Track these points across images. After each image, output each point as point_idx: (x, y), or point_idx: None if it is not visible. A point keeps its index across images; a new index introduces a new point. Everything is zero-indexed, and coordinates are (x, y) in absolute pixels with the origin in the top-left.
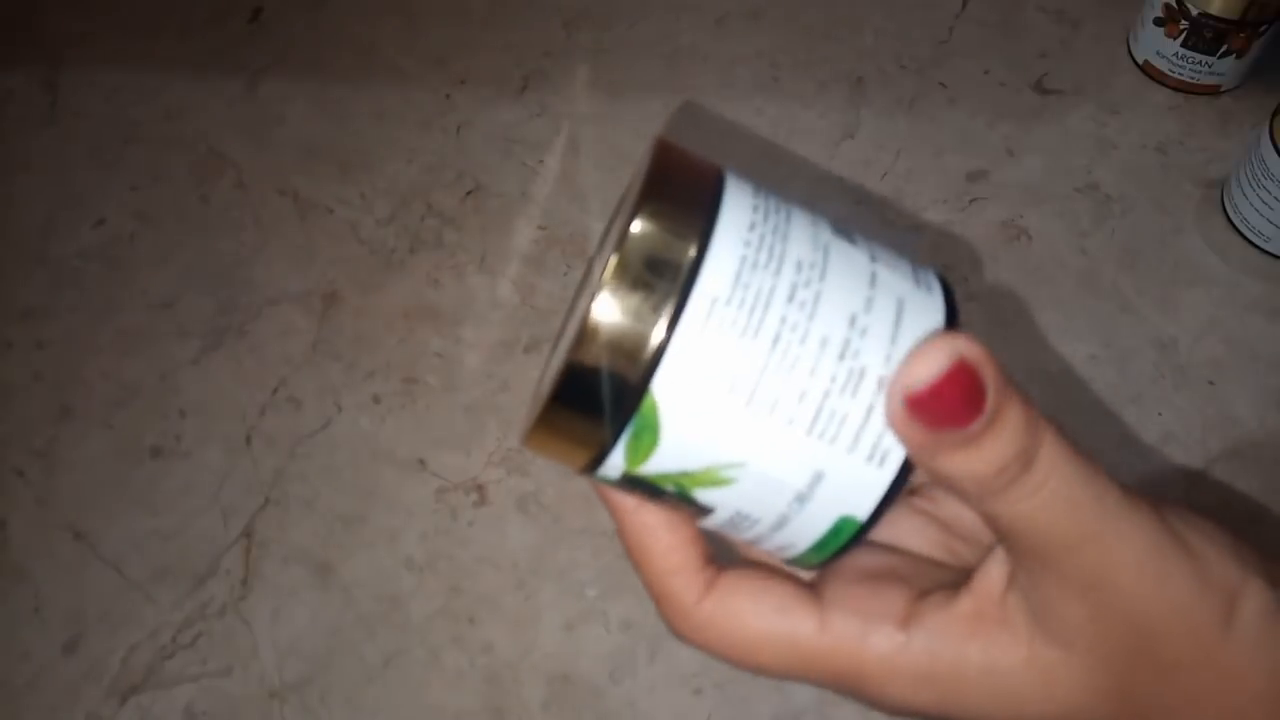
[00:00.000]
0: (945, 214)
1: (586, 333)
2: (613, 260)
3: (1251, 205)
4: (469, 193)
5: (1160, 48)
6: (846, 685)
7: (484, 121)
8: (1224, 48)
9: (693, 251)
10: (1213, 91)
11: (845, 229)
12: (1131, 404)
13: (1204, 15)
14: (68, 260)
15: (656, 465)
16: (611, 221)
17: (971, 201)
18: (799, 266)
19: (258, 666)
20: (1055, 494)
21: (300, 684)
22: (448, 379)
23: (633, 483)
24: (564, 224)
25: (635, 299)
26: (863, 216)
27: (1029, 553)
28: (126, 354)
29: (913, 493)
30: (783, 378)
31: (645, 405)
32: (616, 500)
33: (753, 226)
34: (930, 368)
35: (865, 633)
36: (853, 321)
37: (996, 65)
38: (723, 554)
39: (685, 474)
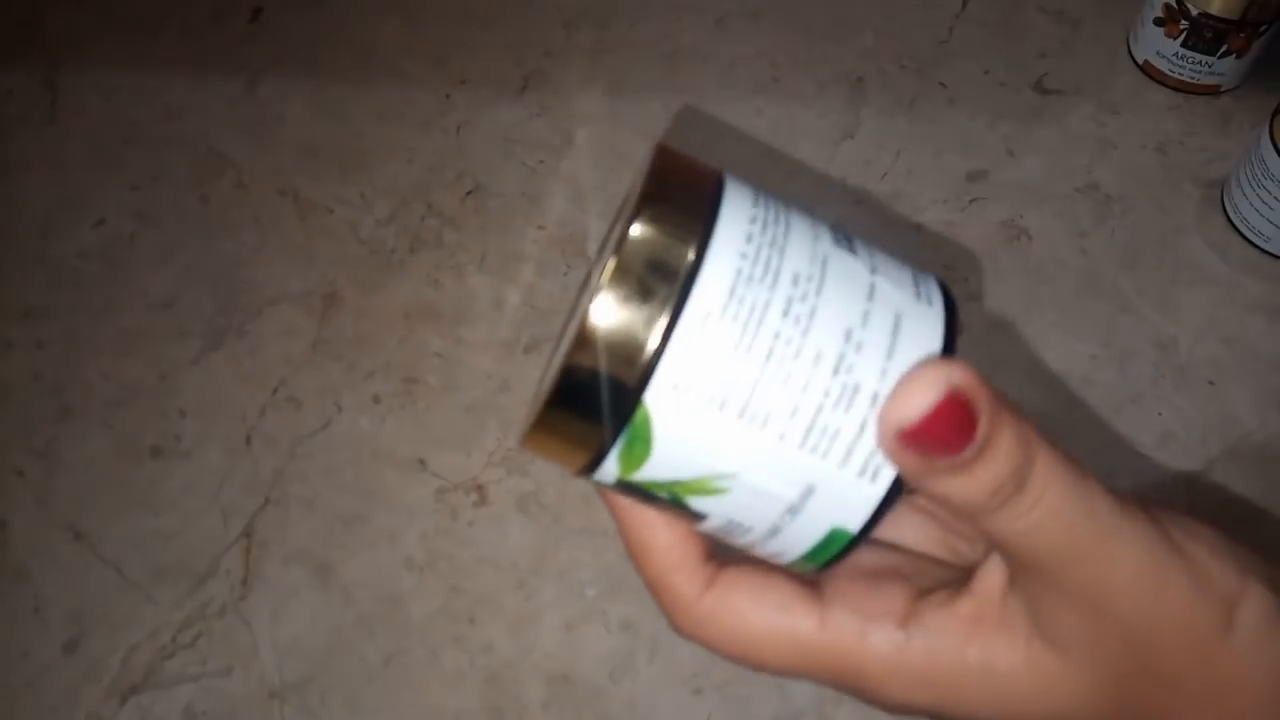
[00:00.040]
0: (945, 214)
1: (581, 341)
2: (608, 269)
3: (1251, 205)
4: (469, 193)
5: (1160, 48)
6: (846, 683)
7: (484, 121)
8: (1224, 48)
9: (688, 264)
10: (1213, 91)
11: (846, 237)
12: (1131, 404)
13: (1204, 15)
14: (68, 260)
15: (649, 473)
16: (613, 225)
17: (971, 201)
18: (795, 280)
19: (258, 666)
20: (1049, 512)
21: (300, 684)
22: (448, 379)
23: (627, 488)
24: (564, 224)
25: (630, 309)
26: (863, 216)
27: (1026, 568)
28: (126, 354)
29: (913, 491)
30: (775, 392)
31: (638, 416)
32: (616, 497)
33: (750, 239)
34: (921, 401)
35: (865, 631)
36: (848, 336)
37: (996, 65)
38: (724, 549)
39: (678, 483)
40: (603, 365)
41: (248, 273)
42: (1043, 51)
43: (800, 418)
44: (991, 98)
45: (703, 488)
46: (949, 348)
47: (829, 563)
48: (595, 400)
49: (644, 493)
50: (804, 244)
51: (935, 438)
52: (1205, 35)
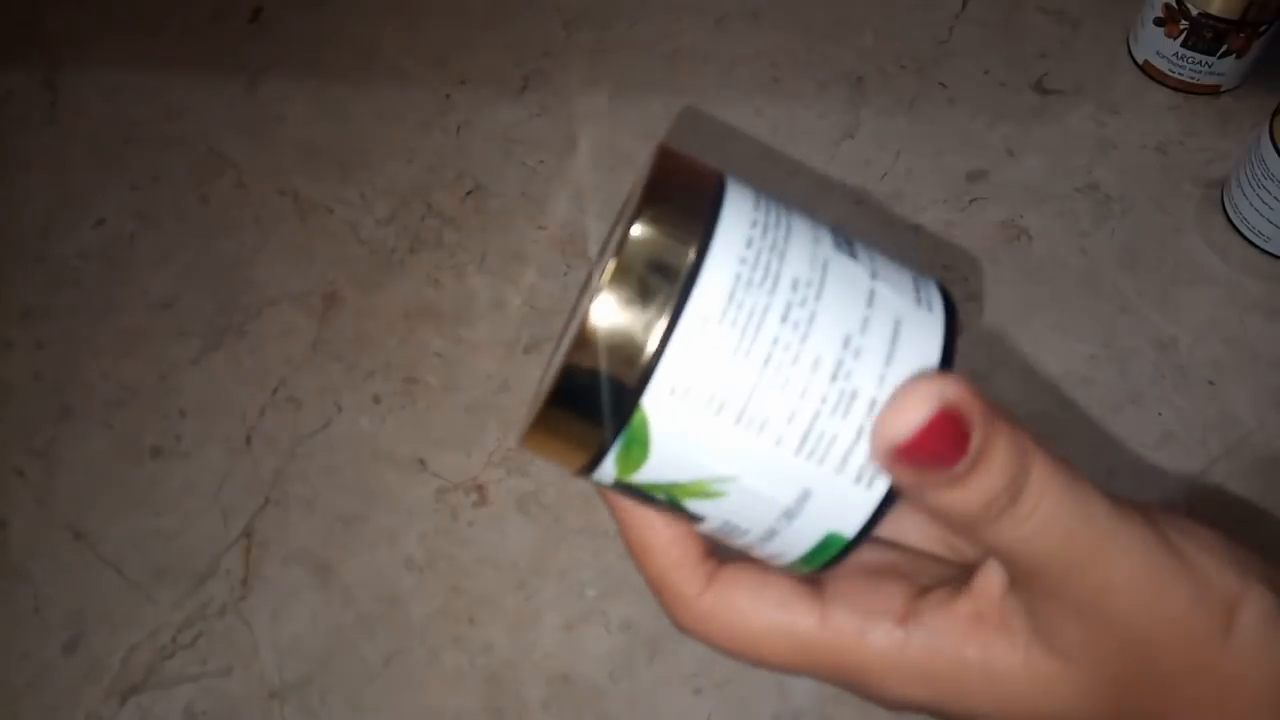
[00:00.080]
0: (945, 214)
1: (581, 342)
2: (609, 270)
3: (1251, 205)
4: (469, 193)
5: (1160, 48)
6: (845, 679)
7: (484, 121)
8: (1224, 48)
9: (687, 269)
10: (1213, 91)
11: (847, 240)
12: (1131, 404)
13: (1204, 15)
14: (68, 260)
15: (646, 475)
16: (614, 225)
17: (971, 201)
18: (795, 285)
19: (258, 666)
20: (1045, 522)
21: (300, 684)
22: (448, 379)
23: (625, 489)
24: (564, 224)
25: (629, 312)
26: (863, 216)
27: (1023, 575)
28: (126, 354)
29: None
30: (772, 398)
31: (635, 419)
32: (615, 496)
33: (750, 243)
34: (914, 416)
35: (865, 629)
36: (847, 342)
37: (996, 65)
38: (724, 547)
39: (675, 485)
40: (601, 367)
41: (248, 273)
42: (1043, 51)
43: (797, 423)
44: (991, 98)
45: (700, 490)
46: (948, 354)
47: (826, 566)
48: (593, 402)
49: (642, 494)
50: (804, 248)
51: (928, 452)
52: (1205, 35)
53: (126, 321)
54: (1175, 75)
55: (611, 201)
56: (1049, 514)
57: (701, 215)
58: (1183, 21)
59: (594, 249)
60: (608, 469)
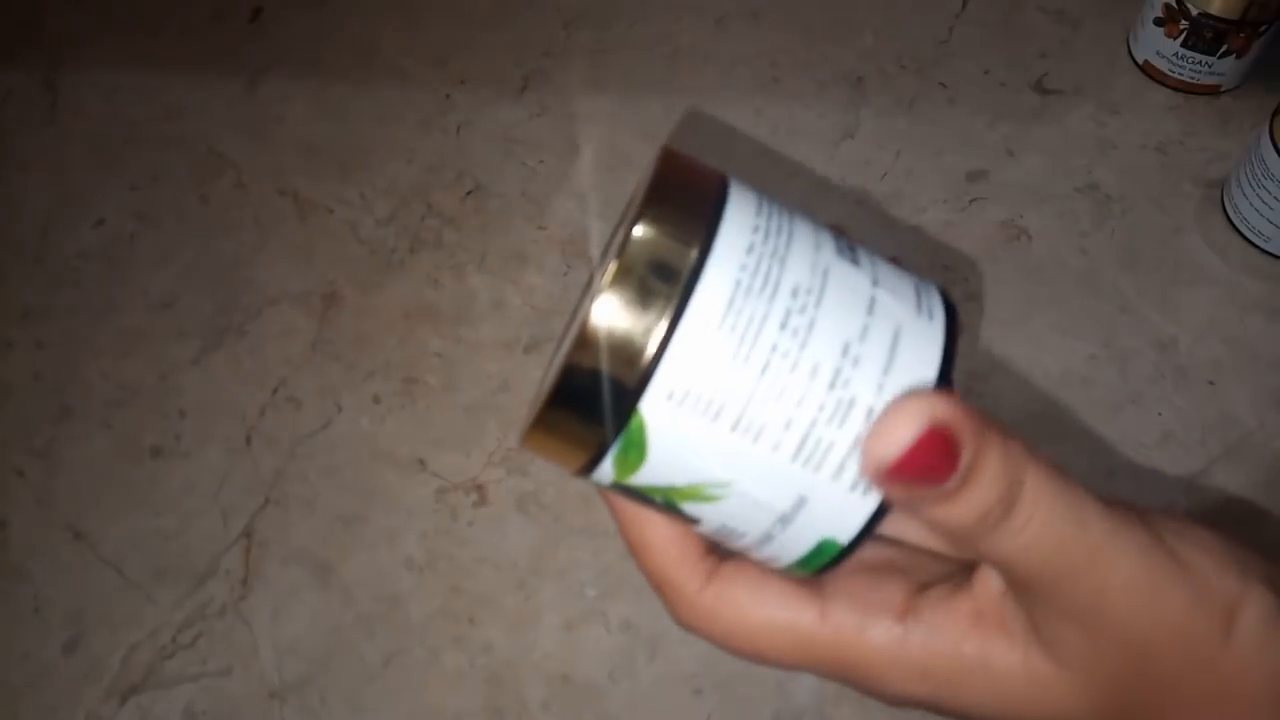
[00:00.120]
0: (945, 214)
1: (581, 343)
2: (610, 272)
3: (1251, 205)
4: (469, 193)
5: (1160, 48)
6: (845, 675)
7: (484, 121)
8: (1224, 48)
9: (687, 274)
10: (1213, 91)
11: (850, 246)
12: (1131, 404)
13: (1204, 15)
14: (68, 260)
15: (643, 478)
16: (617, 227)
17: (971, 201)
18: (795, 292)
19: (258, 666)
20: (1040, 533)
21: (300, 684)
22: (448, 379)
23: (622, 490)
24: (564, 224)
25: (629, 316)
26: (863, 216)
27: (1021, 583)
28: (126, 354)
29: None
30: (770, 405)
31: (633, 423)
32: (615, 496)
33: (751, 249)
34: (903, 435)
35: (864, 625)
36: (845, 350)
37: (996, 65)
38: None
39: (672, 488)
40: (600, 370)
41: (248, 273)
42: (1043, 51)
43: (794, 430)
44: (991, 98)
45: (696, 494)
46: (947, 363)
47: (822, 570)
48: (592, 403)
49: (639, 495)
50: (805, 254)
51: (918, 470)
52: (1205, 35)
53: (126, 321)
54: (1175, 75)
55: (611, 201)
56: (1043, 524)
57: (703, 220)
58: (1183, 21)
59: (594, 249)
60: (606, 470)
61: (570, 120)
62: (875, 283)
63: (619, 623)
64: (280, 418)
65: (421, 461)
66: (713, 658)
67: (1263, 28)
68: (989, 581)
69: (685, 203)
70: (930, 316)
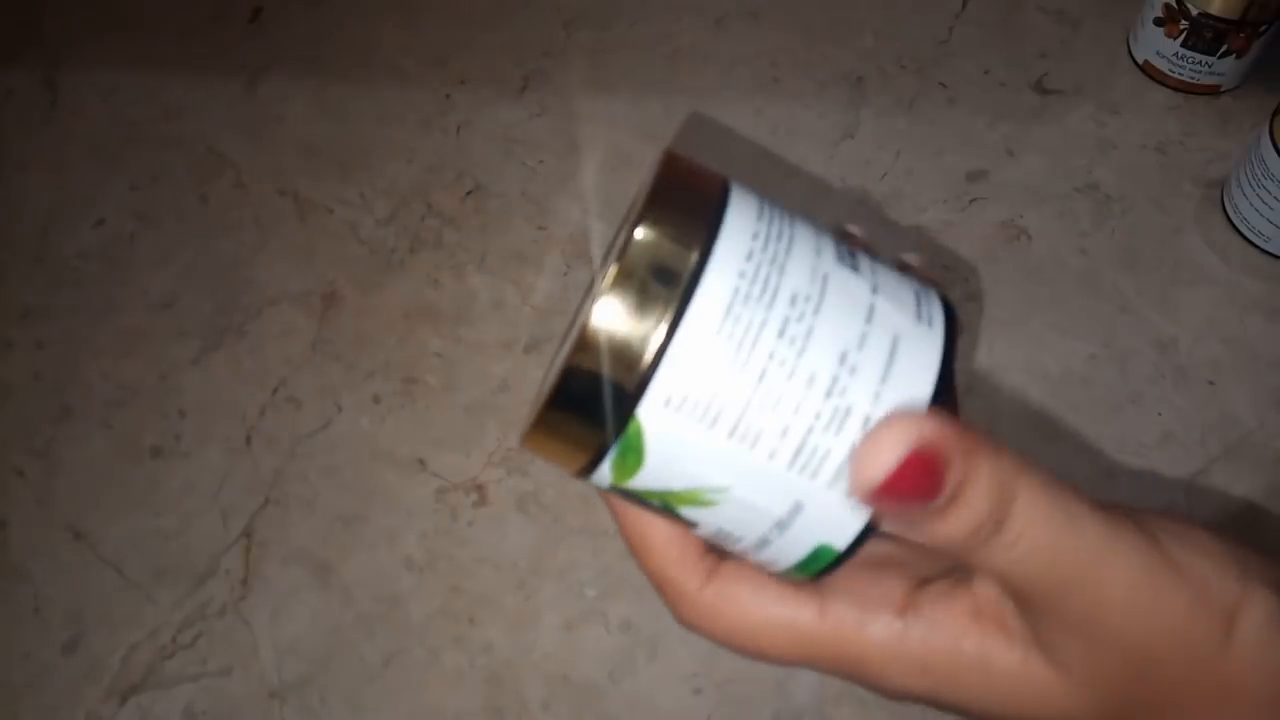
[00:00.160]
0: (945, 214)
1: (580, 346)
2: (609, 276)
3: (1251, 205)
4: (469, 193)
5: (1160, 48)
6: (845, 670)
7: (484, 121)
8: (1224, 48)
9: (686, 280)
10: (1213, 91)
11: (850, 252)
12: (1131, 404)
13: (1204, 15)
14: (68, 260)
15: (641, 482)
16: (619, 229)
17: (971, 201)
18: (793, 300)
19: (258, 666)
20: (1032, 548)
21: (300, 684)
22: (448, 379)
23: (621, 493)
24: (564, 224)
25: (628, 320)
26: (863, 216)
27: (1017, 595)
28: (126, 354)
29: None
30: (767, 412)
31: (631, 428)
32: (615, 498)
33: (750, 255)
34: (888, 457)
35: (864, 620)
36: (843, 359)
37: (996, 65)
38: None
39: (669, 493)
40: (599, 374)
41: (248, 273)
42: (1043, 51)
43: (791, 438)
44: (991, 98)
45: (693, 499)
46: (946, 371)
47: (819, 574)
48: (591, 407)
49: (637, 499)
50: (805, 260)
51: (905, 491)
52: (1205, 35)
53: (126, 321)
54: (1175, 75)
55: (611, 202)
56: (1036, 539)
57: (703, 225)
58: (1183, 21)
59: (594, 249)
60: (604, 473)
61: (570, 120)
62: (875, 290)
63: (619, 623)
64: (280, 418)
65: (421, 461)
66: (712, 658)
67: (1263, 28)
68: (989, 579)
69: (686, 207)
70: (930, 324)
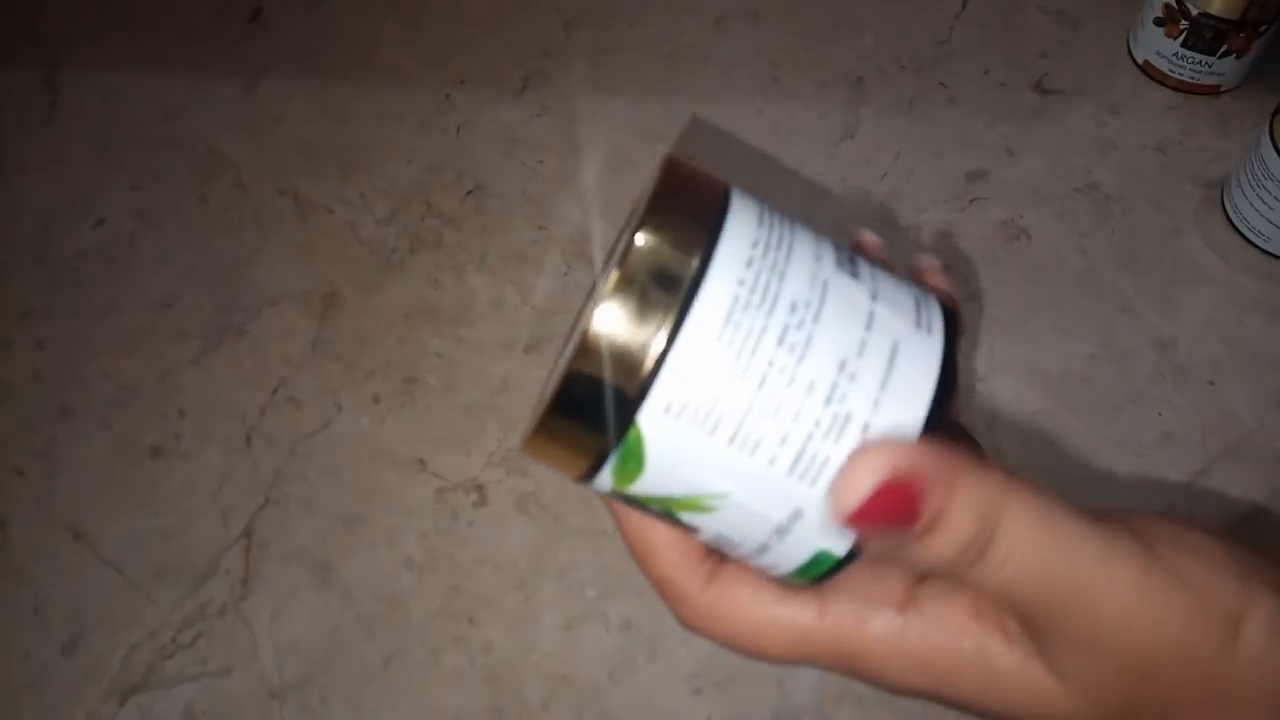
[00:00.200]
0: (945, 214)
1: (581, 353)
2: (610, 281)
3: (1251, 205)
4: (469, 193)
5: (1160, 48)
6: (847, 666)
7: (484, 121)
8: (1224, 48)
9: (686, 288)
10: (1213, 91)
11: (850, 258)
12: (1131, 404)
13: (1204, 15)
14: (67, 260)
15: (641, 488)
16: (621, 234)
17: (971, 201)
18: (793, 307)
19: (258, 666)
20: (1021, 568)
21: (300, 684)
22: (448, 379)
23: (622, 498)
24: (564, 224)
25: (628, 327)
26: (863, 216)
27: (1013, 612)
28: (126, 354)
29: None
30: (766, 419)
31: (631, 435)
32: (616, 503)
33: (750, 263)
34: (861, 487)
35: (864, 617)
36: (842, 366)
37: (996, 65)
38: None
39: (670, 498)
40: (600, 380)
41: (248, 273)
42: (1043, 51)
43: (790, 445)
44: (991, 98)
45: (694, 505)
46: (945, 379)
47: (818, 579)
48: (592, 413)
49: (638, 504)
50: (805, 267)
51: (880, 518)
52: (1205, 35)
53: (126, 321)
54: (1175, 75)
55: (612, 201)
56: (1024, 560)
57: (704, 232)
58: (1183, 21)
59: (595, 249)
60: (605, 479)
61: (570, 120)
62: (874, 296)
63: (619, 623)
64: (280, 418)
65: (421, 461)
66: (713, 658)
67: (1263, 28)
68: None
69: (687, 213)
70: (929, 331)
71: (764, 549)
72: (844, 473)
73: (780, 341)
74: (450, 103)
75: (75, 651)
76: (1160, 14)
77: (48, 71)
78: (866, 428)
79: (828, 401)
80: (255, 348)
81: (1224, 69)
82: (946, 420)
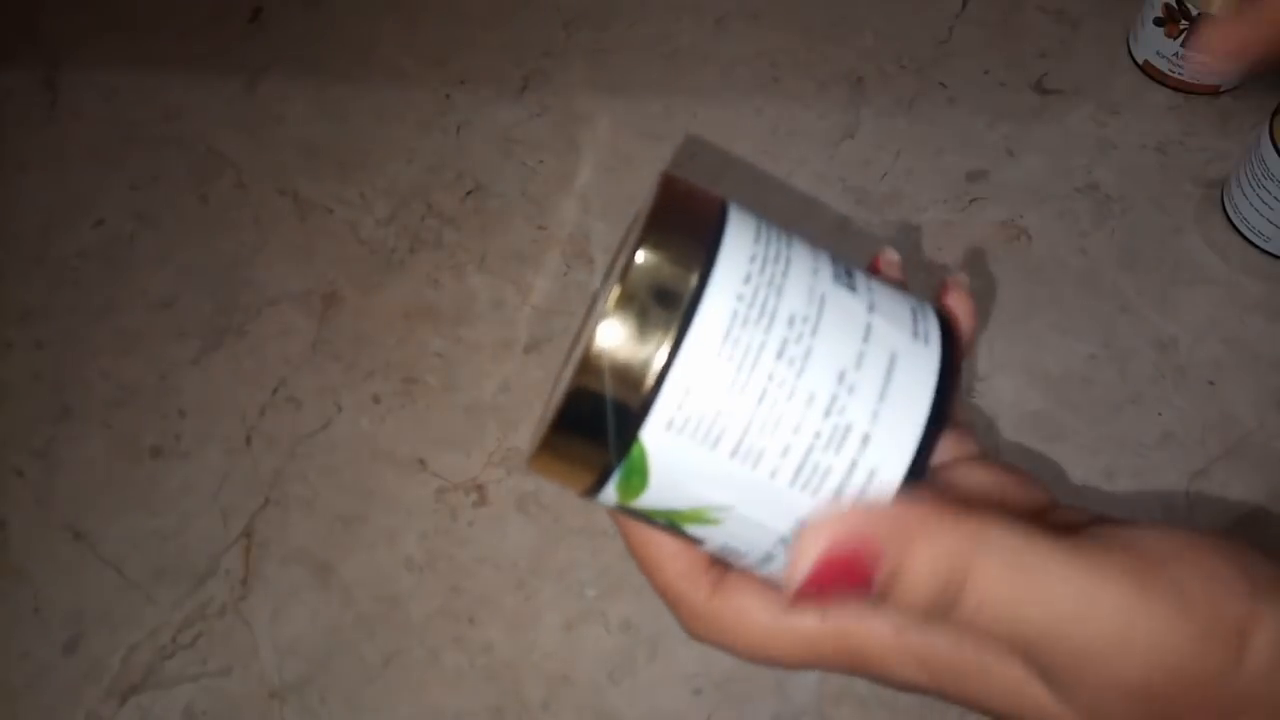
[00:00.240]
0: (945, 214)
1: (583, 371)
2: (611, 298)
3: (1251, 205)
4: (469, 193)
5: (1160, 48)
6: (852, 666)
7: (484, 121)
8: None
9: (685, 305)
10: (1213, 91)
11: (847, 271)
12: (1131, 404)
13: (1204, 15)
14: (67, 260)
15: (646, 502)
16: (620, 249)
17: (971, 201)
18: (791, 321)
19: (258, 666)
20: (998, 614)
21: (300, 684)
22: (448, 379)
23: (627, 511)
24: (564, 224)
25: (629, 343)
26: (863, 216)
27: (1007, 648)
28: (126, 354)
29: None
30: (767, 432)
31: (635, 451)
32: (622, 516)
33: (748, 279)
34: (802, 566)
35: (865, 618)
36: (841, 378)
37: (996, 65)
38: None
39: (674, 512)
40: (602, 397)
41: (248, 273)
42: (1043, 51)
43: (791, 457)
44: (991, 98)
45: (698, 517)
46: (943, 388)
47: None
48: (595, 430)
49: (643, 517)
50: (802, 282)
51: (831, 589)
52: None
53: (126, 321)
54: (1175, 75)
55: (612, 202)
56: (999, 606)
57: (702, 249)
58: (1183, 21)
59: (595, 249)
60: (609, 494)
61: (570, 120)
62: (871, 309)
63: (619, 623)
64: (280, 418)
65: (421, 461)
66: (713, 658)
67: None
68: None
69: (685, 230)
70: (926, 341)
71: (769, 559)
72: (793, 546)
73: (779, 355)
74: (450, 103)
75: (75, 651)
76: (1160, 14)
77: (47, 71)
78: (866, 439)
79: (827, 413)
80: (255, 348)
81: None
82: (945, 428)
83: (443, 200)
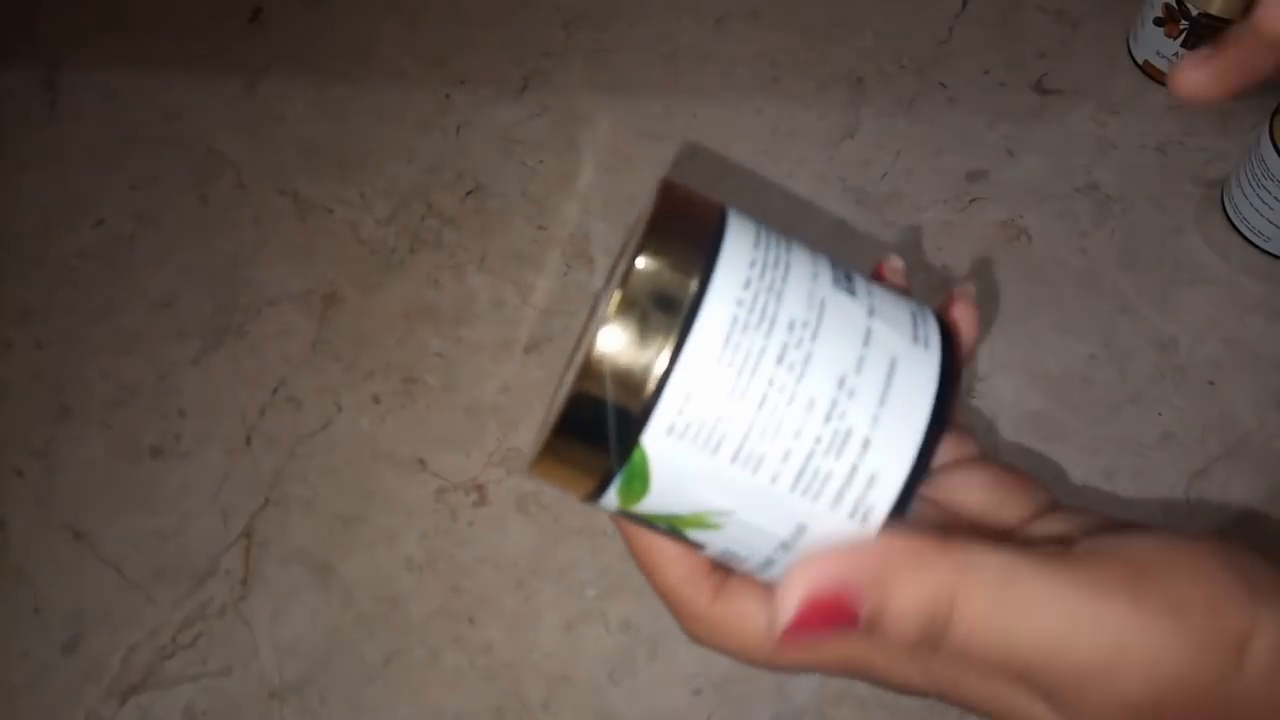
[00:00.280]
0: (945, 214)
1: (584, 376)
2: (612, 304)
3: (1251, 205)
4: (469, 193)
5: (1160, 48)
6: (853, 669)
7: (484, 121)
8: None
9: (684, 311)
10: None
11: (846, 275)
12: (1131, 404)
13: (1204, 15)
14: (67, 260)
15: (647, 507)
16: (619, 255)
17: (971, 201)
18: (791, 326)
19: (258, 666)
20: (987, 642)
21: (300, 684)
22: (448, 379)
23: (628, 516)
24: (564, 224)
25: (630, 349)
26: (863, 216)
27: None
28: (125, 354)
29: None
30: (768, 438)
31: (636, 456)
32: (623, 520)
33: (748, 284)
34: (786, 610)
35: None
36: (841, 383)
37: (996, 65)
38: None
39: (675, 516)
40: (603, 403)
41: (248, 273)
42: (1043, 51)
43: (792, 462)
44: (991, 98)
45: (699, 522)
46: (943, 392)
47: None
48: (596, 436)
49: (645, 521)
50: (802, 286)
51: (816, 629)
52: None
53: (125, 321)
54: None
55: (612, 201)
56: (988, 634)
57: (701, 255)
58: (1183, 21)
59: (595, 249)
60: (611, 499)
61: (570, 120)
62: (871, 313)
63: (619, 623)
64: (280, 418)
65: (421, 461)
66: (712, 658)
67: None
68: None
69: (685, 236)
70: (926, 345)
71: (770, 563)
72: (776, 594)
73: (779, 360)
74: (450, 103)
75: (75, 651)
76: (1160, 14)
77: (47, 71)
78: (867, 443)
79: (828, 418)
80: (255, 348)
81: None
82: (946, 432)
83: (443, 200)
